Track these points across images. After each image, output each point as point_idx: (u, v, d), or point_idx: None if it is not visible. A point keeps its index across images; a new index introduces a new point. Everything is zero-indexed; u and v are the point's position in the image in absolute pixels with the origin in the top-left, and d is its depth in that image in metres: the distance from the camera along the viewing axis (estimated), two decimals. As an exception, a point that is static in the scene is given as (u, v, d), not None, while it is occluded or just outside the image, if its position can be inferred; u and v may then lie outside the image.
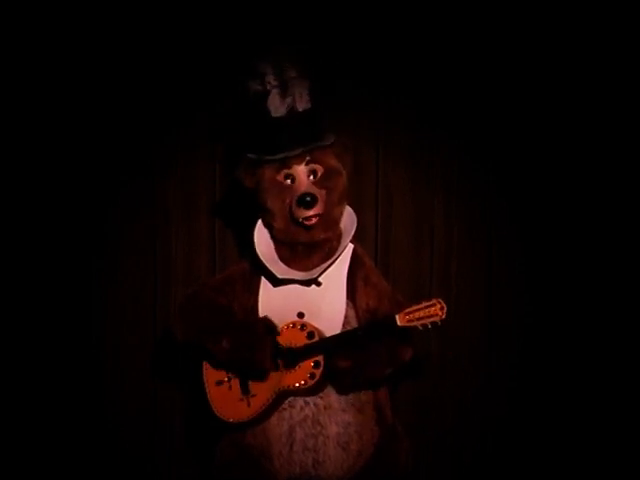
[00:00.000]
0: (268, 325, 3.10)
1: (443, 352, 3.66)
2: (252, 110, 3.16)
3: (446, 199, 3.70)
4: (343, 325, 3.12)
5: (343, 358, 3.05)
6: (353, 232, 3.17)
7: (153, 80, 3.67)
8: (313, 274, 3.12)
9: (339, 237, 3.18)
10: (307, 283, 3.14)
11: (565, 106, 3.65)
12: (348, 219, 3.20)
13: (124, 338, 3.75)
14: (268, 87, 3.10)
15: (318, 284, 3.14)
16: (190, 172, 3.72)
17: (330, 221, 3.14)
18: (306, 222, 3.10)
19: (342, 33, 3.61)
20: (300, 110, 3.10)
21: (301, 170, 3.12)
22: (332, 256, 3.14)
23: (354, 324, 3.14)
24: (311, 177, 3.13)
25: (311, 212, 3.08)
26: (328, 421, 3.09)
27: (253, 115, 3.17)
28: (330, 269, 3.15)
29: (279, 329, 3.10)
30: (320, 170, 3.13)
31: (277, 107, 3.10)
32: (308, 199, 3.07)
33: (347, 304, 3.15)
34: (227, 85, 3.60)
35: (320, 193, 3.10)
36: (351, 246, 3.21)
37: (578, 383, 3.64)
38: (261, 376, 3.08)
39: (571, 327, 3.64)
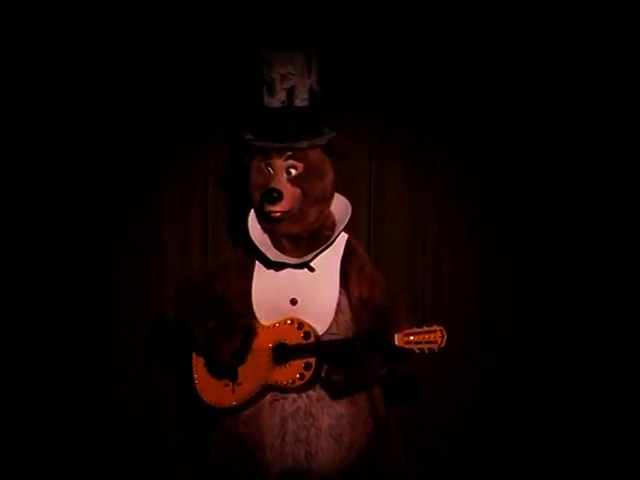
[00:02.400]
0: (249, 325, 3.10)
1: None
2: (251, 94, 3.20)
3: (443, 197, 3.71)
4: (335, 313, 3.12)
5: (337, 372, 3.04)
6: (347, 221, 3.18)
7: (152, 83, 3.71)
8: (306, 259, 3.12)
9: (333, 226, 3.18)
10: (300, 268, 3.14)
11: (564, 106, 3.65)
12: (342, 208, 3.21)
13: (123, 336, 3.76)
14: (266, 77, 3.13)
15: (311, 269, 3.14)
16: (187, 172, 3.75)
17: (302, 219, 3.14)
18: (272, 214, 3.11)
19: (342, 33, 3.64)
20: (294, 107, 3.12)
21: (279, 164, 3.13)
22: (325, 242, 3.14)
23: (347, 312, 3.14)
24: (288, 173, 3.13)
25: (274, 208, 3.09)
26: (320, 413, 3.07)
27: (252, 98, 3.21)
28: (324, 257, 3.16)
29: (257, 331, 3.10)
30: (300, 168, 3.13)
31: (270, 99, 3.13)
32: (274, 195, 3.08)
33: (340, 292, 3.15)
34: (225, 87, 3.66)
35: (292, 191, 3.11)
36: (345, 236, 3.21)
37: (575, 382, 3.62)
38: (220, 367, 3.08)
39: (567, 327, 3.63)
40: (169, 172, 3.75)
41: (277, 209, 3.09)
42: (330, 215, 3.20)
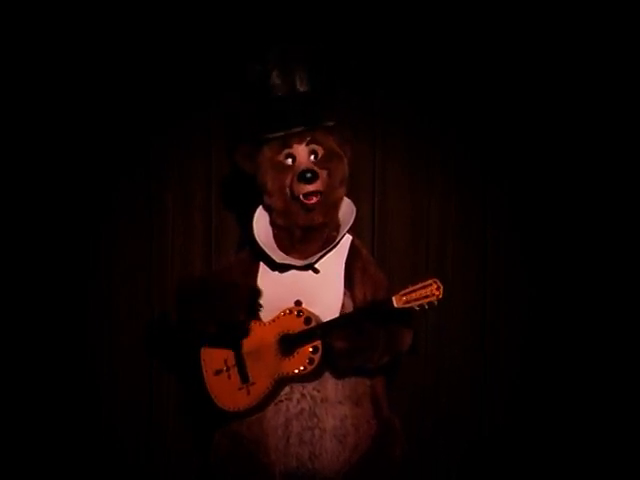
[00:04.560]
0: (252, 287, 3.12)
1: (438, 345, 3.65)
2: (252, 90, 3.19)
3: (444, 197, 3.72)
4: (340, 314, 3.11)
5: (340, 339, 3.03)
6: (351, 222, 3.19)
7: (151, 80, 3.70)
8: (311, 260, 3.13)
9: (337, 227, 3.19)
10: (305, 270, 3.15)
11: (565, 104, 3.66)
12: (347, 210, 3.22)
13: (123, 337, 3.75)
14: (269, 66, 3.13)
15: (315, 271, 3.15)
16: (186, 169, 3.75)
17: (329, 203, 3.16)
18: (306, 200, 3.11)
19: (340, 27, 3.65)
20: (301, 91, 3.13)
21: (302, 149, 3.15)
22: (330, 244, 3.15)
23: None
24: (312, 157, 3.16)
25: (311, 187, 3.10)
26: (325, 414, 3.08)
27: (253, 95, 3.20)
28: (328, 258, 3.16)
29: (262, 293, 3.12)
30: (321, 151, 3.16)
31: (279, 85, 3.13)
32: (309, 175, 3.09)
33: (344, 293, 3.15)
34: (223, 84, 3.65)
35: (321, 173, 3.12)
36: (349, 237, 3.22)
37: (574, 381, 3.63)
38: (240, 332, 3.09)
39: (567, 325, 3.64)
40: (170, 171, 3.74)
41: (313, 189, 3.09)
42: (335, 216, 3.21)
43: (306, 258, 3.14)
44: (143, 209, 3.75)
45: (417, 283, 2.99)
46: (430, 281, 2.99)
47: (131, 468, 3.72)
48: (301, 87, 3.13)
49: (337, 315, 3.10)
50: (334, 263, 3.17)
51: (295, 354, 3.06)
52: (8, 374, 3.66)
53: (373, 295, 3.17)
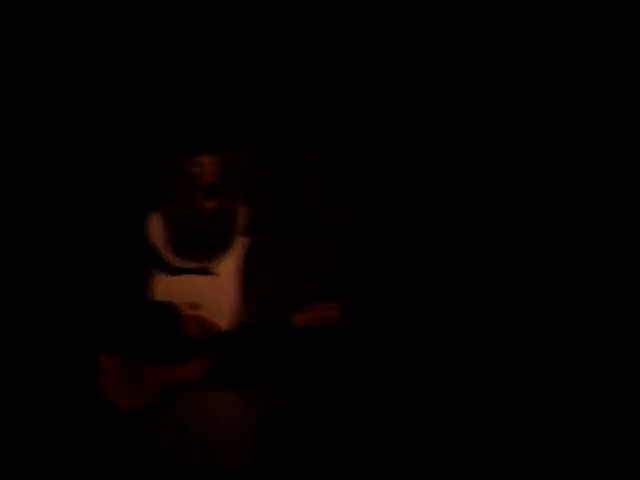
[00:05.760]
0: (170, 310, 3.13)
1: (438, 345, 3.66)
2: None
3: (443, 195, 3.71)
4: (237, 316, 3.15)
5: (235, 356, 3.07)
6: (246, 225, 3.21)
7: (151, 80, 3.73)
8: (206, 263, 3.16)
9: (234, 229, 3.22)
10: (200, 273, 3.17)
11: (564, 104, 3.66)
12: (241, 212, 3.25)
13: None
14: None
15: (212, 274, 3.17)
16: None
17: (225, 214, 3.18)
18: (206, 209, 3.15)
19: (340, 27, 3.66)
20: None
21: (208, 160, 3.17)
22: (226, 247, 3.18)
23: (247, 315, 3.17)
24: (216, 168, 3.17)
25: (212, 204, 3.14)
26: (220, 413, 3.10)
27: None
28: (224, 261, 3.19)
29: (182, 317, 3.12)
30: (225, 163, 3.18)
31: None
32: (211, 189, 3.13)
33: (241, 296, 3.18)
34: (223, 84, 3.68)
35: (222, 186, 3.16)
36: (246, 239, 3.24)
37: (574, 381, 3.65)
38: (154, 361, 3.10)
39: (568, 324, 3.65)
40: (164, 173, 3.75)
41: (214, 204, 3.14)
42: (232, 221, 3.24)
43: (201, 261, 3.17)
44: (143, 209, 3.75)
45: (316, 304, 3.03)
46: (328, 304, 3.03)
47: (131, 468, 3.71)
48: None
49: (233, 318, 3.13)
50: (230, 265, 3.20)
51: (187, 362, 3.09)
52: (7, 374, 3.66)
53: (271, 297, 3.20)
